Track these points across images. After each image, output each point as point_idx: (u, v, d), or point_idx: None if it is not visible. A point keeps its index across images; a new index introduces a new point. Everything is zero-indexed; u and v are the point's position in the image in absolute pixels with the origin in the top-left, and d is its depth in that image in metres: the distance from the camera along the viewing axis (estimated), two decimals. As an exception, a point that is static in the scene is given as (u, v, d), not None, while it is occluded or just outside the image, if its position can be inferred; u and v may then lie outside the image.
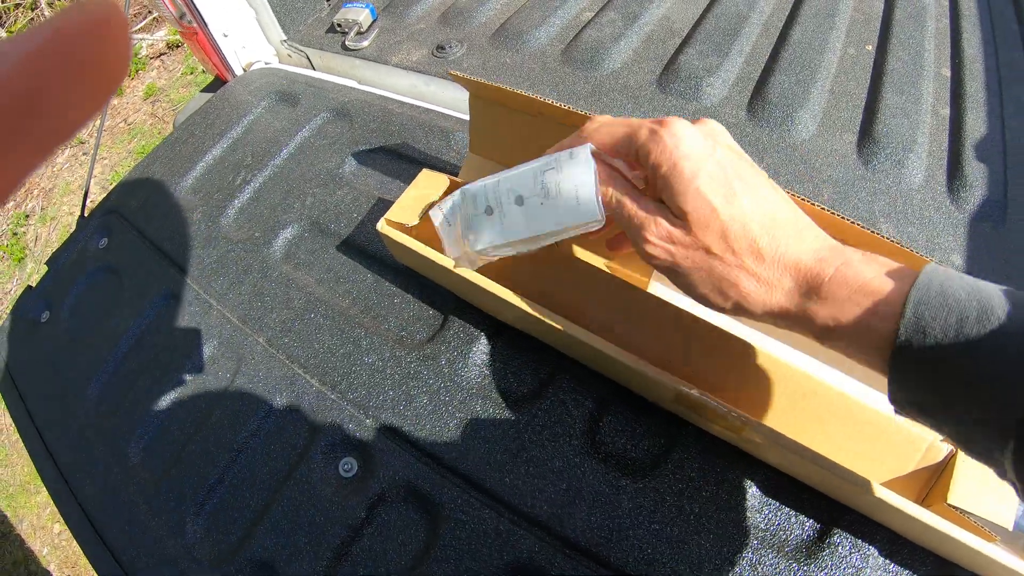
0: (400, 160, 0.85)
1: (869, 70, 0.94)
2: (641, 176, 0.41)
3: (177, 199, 0.93)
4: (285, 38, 1.10)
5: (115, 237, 0.94)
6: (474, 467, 0.61)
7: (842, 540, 0.56)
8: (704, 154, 0.36)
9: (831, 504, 0.57)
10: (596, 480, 0.59)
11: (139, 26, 2.96)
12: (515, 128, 0.70)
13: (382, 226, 0.67)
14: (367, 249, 0.77)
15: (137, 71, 2.95)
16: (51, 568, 1.73)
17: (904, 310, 0.31)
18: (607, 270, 0.66)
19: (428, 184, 0.70)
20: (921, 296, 0.31)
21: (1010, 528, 0.51)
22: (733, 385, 0.58)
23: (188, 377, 0.76)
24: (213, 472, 0.69)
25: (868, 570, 0.55)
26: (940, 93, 0.91)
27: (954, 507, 0.50)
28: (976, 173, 0.78)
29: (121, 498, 0.72)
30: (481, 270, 0.62)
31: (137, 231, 0.93)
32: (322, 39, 1.08)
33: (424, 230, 0.70)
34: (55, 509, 1.74)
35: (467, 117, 0.93)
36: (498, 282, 0.61)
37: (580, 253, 0.69)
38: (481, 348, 0.66)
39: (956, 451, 0.54)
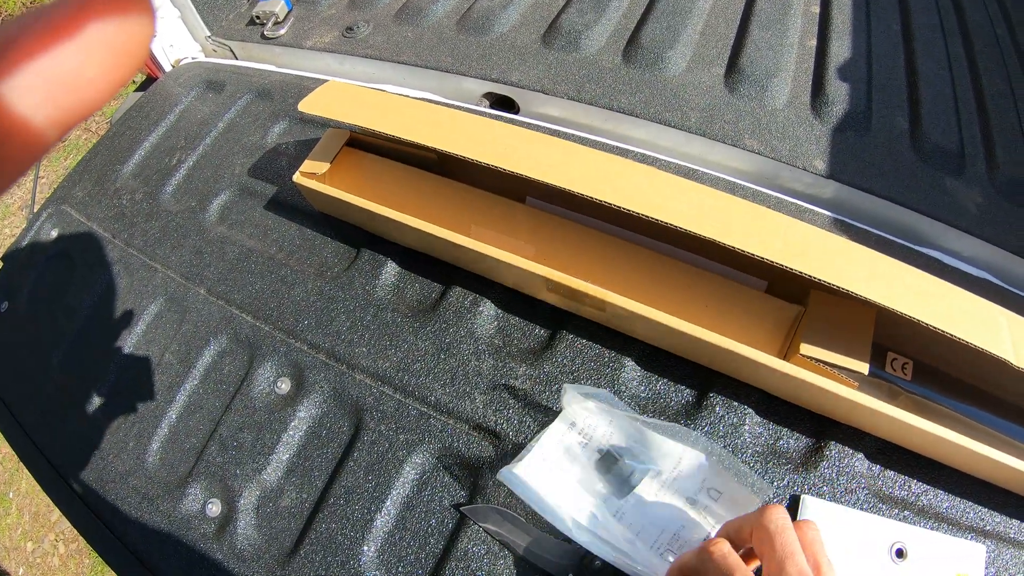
0: (314, 127, 0.95)
1: (740, 12, 1.04)
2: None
3: (119, 185, 1.01)
4: (209, 34, 1.19)
5: (64, 226, 1.02)
6: (386, 368, 0.71)
7: (718, 402, 0.65)
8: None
9: (704, 371, 0.66)
10: (493, 371, 0.69)
11: None
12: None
13: (298, 178, 0.77)
14: (290, 203, 0.87)
15: None
16: (28, 586, 1.78)
17: None
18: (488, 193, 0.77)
19: (332, 138, 0.80)
20: None
21: (866, 373, 0.58)
22: (604, 272, 0.69)
23: (141, 331, 0.85)
24: (167, 406, 0.78)
25: (746, 427, 0.64)
26: (808, 27, 1.01)
27: (808, 357, 0.58)
28: (839, 91, 0.88)
29: (88, 447, 0.81)
30: (384, 201, 0.72)
31: (85, 218, 1.01)
32: (243, 31, 1.18)
33: (334, 178, 0.80)
34: (27, 530, 1.79)
35: (378, 88, 1.03)
36: (400, 211, 0.71)
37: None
38: (390, 270, 0.77)
39: (806, 308, 0.62)
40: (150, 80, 1.23)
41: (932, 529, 0.60)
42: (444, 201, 0.75)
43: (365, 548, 0.66)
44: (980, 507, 0.61)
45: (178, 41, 1.20)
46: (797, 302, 0.66)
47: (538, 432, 0.65)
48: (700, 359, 0.66)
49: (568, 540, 0.61)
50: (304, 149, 0.93)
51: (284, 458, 0.72)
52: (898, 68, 0.93)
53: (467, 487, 0.65)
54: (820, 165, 0.81)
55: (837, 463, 0.62)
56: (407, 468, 0.67)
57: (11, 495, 1.86)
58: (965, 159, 0.80)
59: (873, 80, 0.91)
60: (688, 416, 0.66)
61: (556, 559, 0.61)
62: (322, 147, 0.79)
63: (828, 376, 0.58)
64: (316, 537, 0.67)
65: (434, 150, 0.68)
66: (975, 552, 0.58)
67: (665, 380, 0.68)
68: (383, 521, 0.66)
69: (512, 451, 0.65)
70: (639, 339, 0.68)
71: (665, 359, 0.68)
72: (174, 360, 0.81)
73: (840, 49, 0.96)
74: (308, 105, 0.76)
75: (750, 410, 0.65)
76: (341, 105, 0.76)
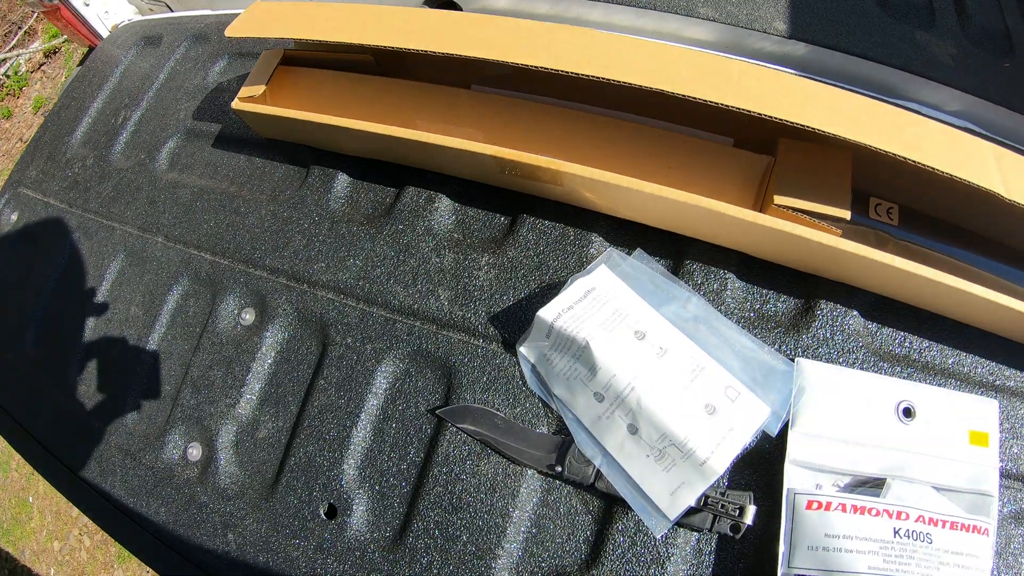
0: (254, 58, 0.91)
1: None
2: None
3: (70, 155, 0.98)
4: (144, -8, 1.15)
5: (23, 208, 1.00)
6: (347, 279, 0.68)
7: (695, 268, 0.61)
8: None
9: (677, 238, 0.62)
10: (455, 266, 0.66)
11: (12, 44, 2.91)
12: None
13: (236, 104, 0.73)
14: (237, 135, 0.84)
15: (21, 89, 2.90)
16: (61, 584, 1.80)
17: None
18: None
19: (267, 60, 0.76)
20: None
21: (847, 219, 0.54)
22: (566, 150, 0.65)
23: (106, 290, 0.82)
24: (138, 359, 0.76)
25: (728, 292, 0.60)
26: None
27: (783, 207, 0.54)
28: None
29: (68, 415, 0.79)
30: (326, 112, 0.68)
31: (41, 195, 0.98)
32: (178, -16, 1.13)
33: (274, 99, 0.76)
34: (51, 530, 1.81)
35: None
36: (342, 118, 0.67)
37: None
38: (341, 182, 0.74)
39: (776, 157, 0.57)
40: (92, 51, 1.19)
41: (939, 386, 0.55)
42: (387, 102, 0.71)
43: (345, 467, 0.63)
44: (989, 361, 0.56)
45: (112, 6, 1.16)
46: (767, 152, 0.61)
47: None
48: (670, 225, 0.62)
49: (551, 431, 0.59)
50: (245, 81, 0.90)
51: (256, 388, 0.69)
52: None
53: (441, 389, 0.62)
54: (781, 26, 0.76)
55: (830, 322, 0.58)
56: (378, 378, 0.64)
57: (31, 499, 1.88)
58: (934, 12, 0.75)
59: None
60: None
61: (539, 451, 0.58)
62: (257, 71, 0.75)
63: (808, 225, 0.53)
64: (296, 463, 0.65)
65: (369, 48, 0.64)
66: (988, 408, 0.54)
67: (639, 250, 0.64)
68: (361, 437, 0.63)
69: (483, 344, 0.62)
70: (604, 212, 0.64)
71: (635, 231, 0.64)
72: (140, 312, 0.78)
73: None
74: (235, 29, 0.72)
75: (731, 275, 0.61)
76: (269, 23, 0.72)
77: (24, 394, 0.86)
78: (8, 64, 2.92)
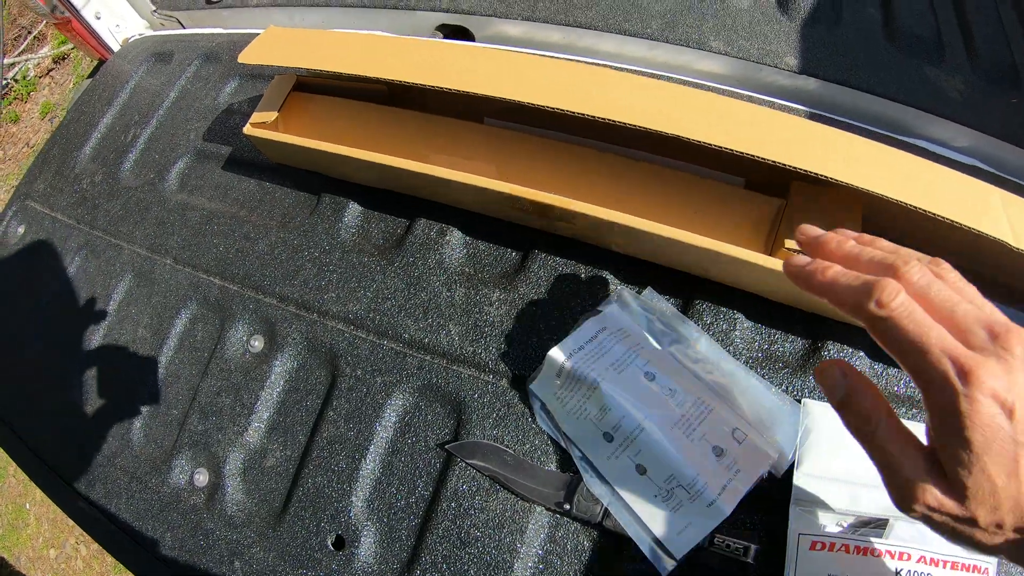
0: (266, 80, 0.91)
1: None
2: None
3: (78, 170, 0.98)
4: (154, 8, 1.15)
5: (30, 222, 1.00)
6: (358, 310, 0.68)
7: (705, 309, 0.62)
8: (998, 429, 0.30)
9: (687, 278, 0.62)
10: (466, 300, 0.66)
11: (21, 48, 2.92)
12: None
13: (248, 129, 0.74)
14: (247, 159, 0.84)
15: (29, 93, 2.91)
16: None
17: None
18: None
19: (279, 85, 0.76)
20: None
21: None
22: (572, 185, 0.66)
23: (113, 311, 0.82)
24: (145, 382, 0.76)
25: (737, 333, 0.60)
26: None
27: (794, 251, 0.54)
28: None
29: (74, 434, 0.79)
30: (338, 141, 0.69)
31: (48, 209, 0.99)
32: (188, 0, 1.13)
33: (286, 125, 0.76)
34: (47, 538, 1.80)
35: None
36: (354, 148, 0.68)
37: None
38: (352, 212, 0.74)
39: (787, 200, 0.58)
40: (102, 64, 1.19)
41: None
42: (399, 133, 0.71)
43: (354, 499, 0.63)
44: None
45: (124, 20, 1.16)
46: (778, 195, 0.62)
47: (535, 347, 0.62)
48: (681, 265, 0.62)
49: (560, 468, 0.59)
50: (256, 103, 0.90)
51: (265, 417, 0.69)
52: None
53: (451, 424, 0.63)
54: (792, 61, 0.77)
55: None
56: (388, 411, 0.64)
57: (28, 506, 1.87)
58: (943, 47, 0.75)
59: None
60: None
61: (547, 489, 0.58)
62: (269, 96, 0.76)
63: None
64: (304, 494, 0.65)
65: (382, 81, 0.65)
66: None
67: (648, 289, 0.65)
68: (369, 469, 0.64)
69: (493, 380, 0.63)
70: (616, 250, 0.65)
71: (645, 269, 0.64)
72: (147, 334, 0.79)
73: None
74: (249, 55, 0.73)
75: (740, 315, 0.61)
76: (282, 50, 0.72)
77: (28, 412, 0.86)
78: (17, 68, 2.92)
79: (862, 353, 0.59)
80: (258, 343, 0.72)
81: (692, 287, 0.63)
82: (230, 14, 1.05)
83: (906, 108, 0.72)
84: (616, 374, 0.57)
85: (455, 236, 0.69)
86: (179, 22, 1.12)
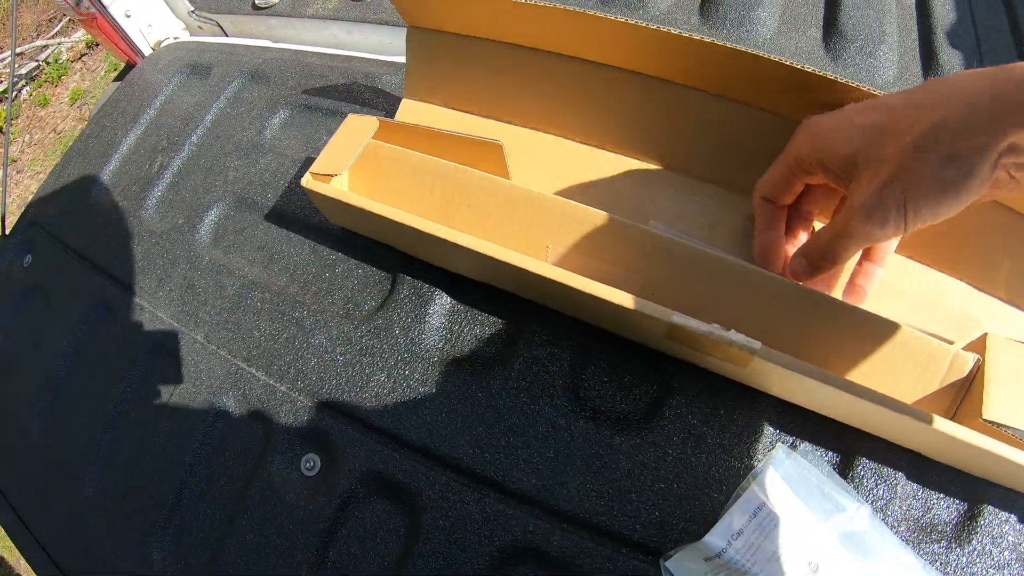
0: (324, 115, 0.75)
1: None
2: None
3: (95, 199, 0.83)
4: (192, 8, 0.98)
5: (39, 252, 0.85)
6: (447, 445, 0.53)
7: (866, 471, 0.49)
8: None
9: (849, 432, 0.50)
10: (586, 442, 0.51)
11: (55, 30, 2.77)
12: (466, 62, 0.60)
13: (307, 181, 0.58)
14: (299, 216, 0.68)
15: (60, 77, 2.78)
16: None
17: None
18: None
19: (356, 128, 0.60)
20: None
21: None
22: (730, 311, 0.50)
23: (128, 392, 0.67)
24: (169, 492, 0.61)
25: (896, 500, 0.48)
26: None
27: (991, 422, 0.43)
28: (952, 60, 0.69)
29: (82, 534, 0.65)
30: (427, 210, 0.53)
31: (60, 242, 0.84)
32: (232, 3, 0.97)
33: (358, 181, 0.61)
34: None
35: (395, 59, 0.82)
36: (448, 224, 0.52)
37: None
38: (437, 309, 0.58)
39: (983, 362, 0.46)
40: (129, 68, 1.03)
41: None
42: (509, 209, 0.54)
43: None
44: None
45: (157, 19, 1.00)
46: (971, 348, 0.47)
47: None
48: (845, 418, 0.49)
49: None
50: (315, 145, 0.74)
51: (321, 557, 0.54)
52: (1003, 28, 0.72)
53: (567, 611, 0.48)
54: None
55: (991, 531, 0.47)
56: (482, 583, 0.49)
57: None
58: None
59: (981, 45, 0.71)
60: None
61: None
62: (341, 139, 0.60)
63: (1010, 443, 0.42)
64: None
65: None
66: None
67: (806, 443, 0.50)
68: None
69: (612, 547, 0.47)
70: (768, 392, 0.50)
71: (803, 419, 0.50)
72: (170, 426, 0.64)
73: (942, 8, 0.74)
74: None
75: (901, 476, 0.49)
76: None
77: (26, 488, 0.72)
78: (49, 51, 2.79)
79: (1013, 517, 0.47)
80: (312, 465, 0.57)
81: (852, 443, 0.49)
82: (281, 24, 0.88)
83: None
84: (777, 565, 0.45)
85: (570, 358, 0.53)
86: (220, 28, 0.95)
